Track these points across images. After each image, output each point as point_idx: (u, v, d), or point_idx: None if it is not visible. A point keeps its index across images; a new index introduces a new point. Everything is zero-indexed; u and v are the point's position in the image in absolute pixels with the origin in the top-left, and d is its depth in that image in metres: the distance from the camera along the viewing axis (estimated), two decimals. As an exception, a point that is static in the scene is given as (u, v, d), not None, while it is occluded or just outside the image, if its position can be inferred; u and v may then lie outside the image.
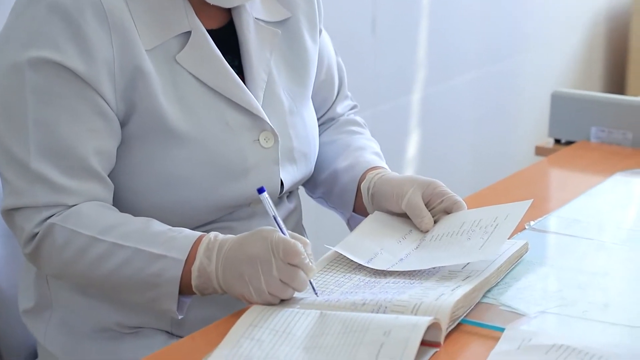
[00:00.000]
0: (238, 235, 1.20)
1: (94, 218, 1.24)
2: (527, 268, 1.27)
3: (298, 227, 1.46)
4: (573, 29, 3.37)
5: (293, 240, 1.16)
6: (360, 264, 1.26)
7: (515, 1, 3.07)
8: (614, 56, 3.58)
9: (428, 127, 2.80)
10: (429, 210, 1.33)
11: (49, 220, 1.23)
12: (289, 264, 1.15)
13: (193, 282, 1.20)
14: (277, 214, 1.20)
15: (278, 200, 1.40)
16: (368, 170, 1.42)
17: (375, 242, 1.30)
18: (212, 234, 1.21)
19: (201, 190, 1.29)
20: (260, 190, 1.21)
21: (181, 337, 1.30)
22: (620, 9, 3.53)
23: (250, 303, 1.16)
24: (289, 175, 1.37)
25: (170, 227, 1.24)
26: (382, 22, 2.56)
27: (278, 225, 1.19)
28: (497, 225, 1.27)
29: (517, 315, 1.15)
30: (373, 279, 1.23)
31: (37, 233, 1.24)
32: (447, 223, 1.32)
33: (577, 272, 1.26)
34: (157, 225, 1.24)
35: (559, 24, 3.29)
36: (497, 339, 1.08)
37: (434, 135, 2.83)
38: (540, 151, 1.85)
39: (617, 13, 3.53)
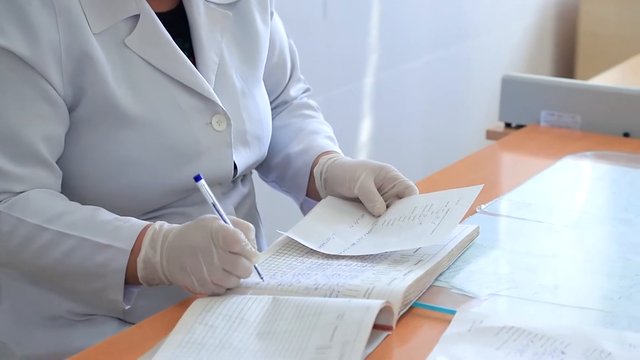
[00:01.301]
0: (182, 224, 1.19)
1: (41, 206, 1.22)
2: (478, 251, 1.28)
3: (252, 212, 1.46)
4: (523, 13, 3.39)
5: (233, 228, 1.15)
6: (311, 249, 1.26)
7: (466, -14, 3.08)
8: (564, 40, 3.61)
9: (381, 111, 2.80)
10: (382, 195, 1.34)
11: None
12: (230, 252, 1.14)
13: (139, 274, 1.19)
14: (216, 202, 1.18)
15: (232, 185, 1.40)
16: (321, 154, 1.42)
17: (328, 227, 1.30)
18: (158, 224, 1.20)
19: (153, 174, 1.28)
20: (197, 178, 1.19)
21: (133, 324, 1.29)
22: (570, -6, 3.57)
23: (195, 294, 1.16)
24: (243, 158, 1.37)
25: (117, 216, 1.23)
26: (334, 7, 2.56)
27: (218, 212, 1.17)
28: (448, 210, 1.28)
29: (468, 298, 1.16)
30: (326, 262, 1.23)
31: None
32: (399, 208, 1.32)
33: (527, 255, 1.28)
34: (104, 214, 1.23)
35: (509, 8, 3.31)
36: (448, 322, 1.09)
37: (386, 120, 2.83)
38: (491, 135, 1.87)
39: (566, -3, 3.57)
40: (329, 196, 1.37)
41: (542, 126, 1.81)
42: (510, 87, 1.84)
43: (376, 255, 1.24)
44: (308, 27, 2.51)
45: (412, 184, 1.34)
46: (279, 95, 1.54)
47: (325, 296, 1.13)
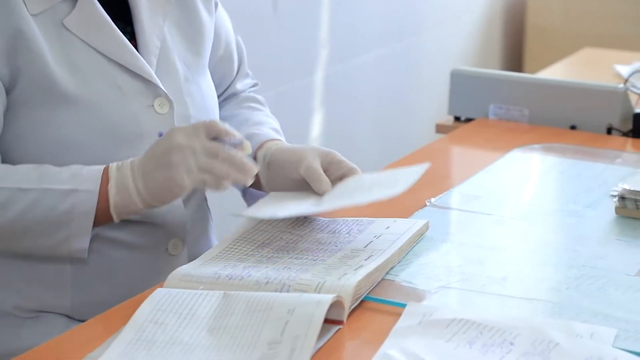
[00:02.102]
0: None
1: None
2: (428, 245, 1.29)
3: (202, 207, 1.45)
4: (471, 8, 3.41)
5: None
6: (263, 242, 1.26)
7: (415, -20, 3.09)
8: (512, 34, 3.65)
9: (331, 106, 2.81)
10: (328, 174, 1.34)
11: None
12: (212, 139, 1.19)
13: (112, 200, 1.20)
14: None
15: None
16: (266, 141, 1.42)
17: (278, 206, 1.30)
18: (117, 162, 1.23)
19: (94, 156, 1.27)
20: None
21: (82, 321, 1.28)
22: (518, -12, 3.60)
23: (182, 190, 1.19)
24: None
25: (65, 166, 1.23)
26: (284, 1, 2.56)
27: None
28: (397, 181, 1.29)
29: (418, 291, 1.17)
30: (276, 255, 1.23)
31: None
32: (347, 183, 1.32)
33: (476, 247, 1.29)
34: (52, 167, 1.23)
35: (457, 2, 3.33)
36: (399, 315, 1.09)
37: (337, 114, 2.84)
38: (440, 129, 1.88)
39: (514, -8, 3.60)
40: (271, 192, 1.37)
41: (490, 119, 1.82)
42: (459, 81, 1.86)
43: (327, 249, 1.24)
44: (258, 21, 2.50)
45: (357, 168, 1.34)
46: (226, 89, 1.54)
47: (276, 291, 1.13)
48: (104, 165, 1.22)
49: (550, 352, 1.01)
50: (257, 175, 1.39)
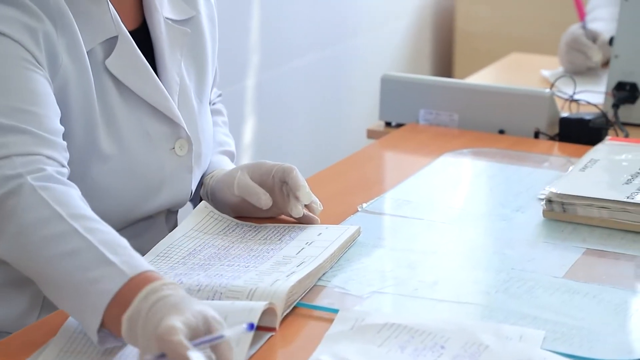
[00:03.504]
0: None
1: (68, 199, 1.10)
2: (360, 250, 1.29)
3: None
4: (401, 14, 3.44)
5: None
6: (194, 249, 1.25)
7: (345, -14, 3.11)
8: (441, 39, 3.68)
9: (264, 112, 2.80)
10: (267, 190, 1.33)
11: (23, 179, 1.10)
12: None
13: (122, 331, 1.01)
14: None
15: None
16: (212, 172, 1.42)
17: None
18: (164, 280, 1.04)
19: (119, 202, 1.26)
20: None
21: (9, 333, 1.25)
22: (447, -6, 3.64)
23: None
24: (195, 181, 1.36)
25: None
26: (214, 8, 2.55)
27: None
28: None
29: (350, 296, 1.17)
30: (208, 262, 1.22)
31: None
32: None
33: (408, 252, 1.30)
34: (122, 239, 1.09)
35: (387, 8, 3.35)
36: (331, 321, 1.10)
37: (269, 121, 2.83)
38: (371, 134, 1.89)
39: (443, -3, 3.64)
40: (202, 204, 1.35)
41: (421, 124, 1.84)
42: (389, 87, 1.87)
43: (259, 255, 1.24)
44: (188, 28, 2.48)
45: (289, 165, 1.34)
46: None
47: (208, 298, 1.12)
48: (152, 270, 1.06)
49: (481, 354, 1.03)
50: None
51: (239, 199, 1.34)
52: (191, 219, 1.32)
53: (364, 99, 3.17)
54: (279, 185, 1.33)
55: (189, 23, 1.36)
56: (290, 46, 2.90)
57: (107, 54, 1.25)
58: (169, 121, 1.30)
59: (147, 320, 0.99)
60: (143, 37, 1.31)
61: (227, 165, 1.45)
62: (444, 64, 3.70)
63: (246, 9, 2.70)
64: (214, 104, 1.57)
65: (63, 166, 1.15)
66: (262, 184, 1.33)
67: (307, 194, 1.31)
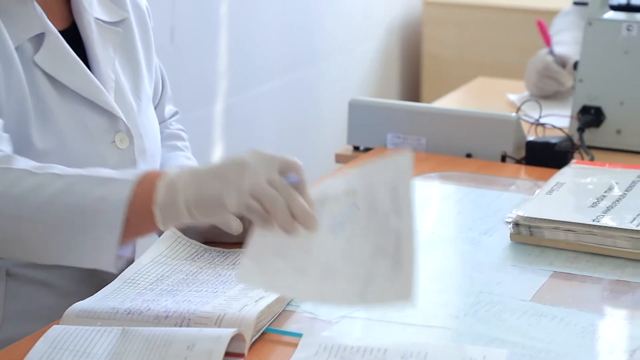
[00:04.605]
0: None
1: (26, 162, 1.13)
2: (328, 274, 1.29)
3: None
4: (368, 38, 3.46)
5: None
6: (163, 274, 1.24)
7: (310, 11, 3.12)
8: (409, 63, 3.71)
9: (232, 136, 2.80)
10: (236, 215, 1.32)
11: None
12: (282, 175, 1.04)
13: (158, 197, 1.04)
14: None
15: None
16: None
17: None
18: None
19: None
20: None
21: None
22: (413, 18, 3.66)
23: (223, 208, 1.04)
24: None
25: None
26: (181, 32, 2.55)
27: None
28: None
29: (319, 321, 1.17)
30: (176, 288, 1.22)
31: None
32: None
33: (376, 276, 1.30)
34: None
35: (353, 32, 3.37)
36: (300, 346, 1.09)
37: (238, 145, 2.83)
38: (339, 158, 1.89)
39: (409, 21, 3.66)
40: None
41: (389, 148, 1.84)
42: (357, 111, 1.88)
43: (227, 280, 1.24)
44: (155, 52, 2.48)
45: None
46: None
47: (176, 325, 1.12)
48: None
49: (449, 378, 1.03)
50: None
51: (208, 224, 1.34)
52: (159, 244, 1.31)
53: (332, 123, 3.18)
54: None
55: (120, 25, 1.39)
56: (259, 70, 2.90)
57: (37, 50, 1.27)
58: (107, 113, 1.31)
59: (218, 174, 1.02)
60: (74, 36, 1.33)
61: None
62: (412, 88, 3.72)
63: (214, 32, 2.70)
64: (170, 124, 1.57)
65: (10, 156, 1.16)
66: None
67: None
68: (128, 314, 1.14)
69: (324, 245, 1.06)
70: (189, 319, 1.12)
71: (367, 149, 1.87)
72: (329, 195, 1.07)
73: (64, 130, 1.27)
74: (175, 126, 1.57)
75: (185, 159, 1.51)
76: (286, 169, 1.07)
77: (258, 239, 1.06)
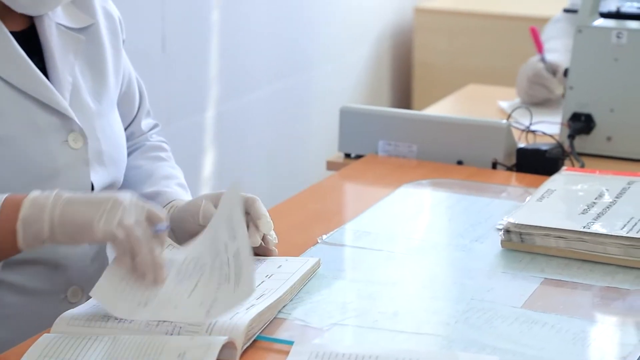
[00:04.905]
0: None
1: None
2: (320, 282, 1.29)
3: (102, 253, 1.43)
4: (359, 45, 3.46)
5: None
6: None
7: (301, 18, 3.13)
8: (400, 71, 3.71)
9: (223, 144, 2.80)
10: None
11: None
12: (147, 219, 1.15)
13: (22, 213, 1.15)
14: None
15: None
16: (170, 202, 1.42)
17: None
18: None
19: (9, 192, 1.24)
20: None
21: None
22: (404, 25, 3.67)
23: (91, 234, 1.14)
24: (100, 177, 1.37)
25: None
26: (173, 40, 2.55)
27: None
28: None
29: (311, 328, 1.17)
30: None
31: None
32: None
33: (368, 283, 1.30)
34: None
35: (345, 40, 3.37)
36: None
37: (229, 152, 2.83)
38: (331, 166, 1.90)
39: (400, 29, 3.67)
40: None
41: (380, 156, 1.85)
42: (348, 118, 1.88)
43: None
44: (147, 60, 2.48)
45: (252, 195, 1.34)
46: (129, 125, 1.54)
47: (167, 333, 1.11)
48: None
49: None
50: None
51: (202, 228, 1.34)
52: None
53: (323, 130, 3.18)
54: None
55: (85, 31, 1.40)
56: (250, 77, 2.90)
57: None
58: (58, 113, 1.33)
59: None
60: (32, 38, 1.35)
61: (185, 196, 1.45)
62: (403, 96, 3.73)
63: (205, 39, 2.71)
64: (151, 136, 1.57)
65: None
66: None
67: (267, 223, 1.32)
68: (119, 322, 1.14)
69: (170, 287, 1.16)
70: (180, 327, 1.12)
71: (358, 156, 1.87)
72: (177, 261, 1.18)
73: (13, 127, 1.28)
74: (156, 138, 1.58)
75: (170, 169, 1.52)
76: (153, 219, 1.17)
77: (116, 266, 1.17)
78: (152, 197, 1.43)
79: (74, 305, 1.32)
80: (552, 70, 2.15)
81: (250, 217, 1.32)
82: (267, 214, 1.33)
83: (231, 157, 2.85)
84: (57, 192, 1.18)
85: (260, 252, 1.34)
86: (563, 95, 2.10)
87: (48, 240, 1.16)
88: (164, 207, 1.41)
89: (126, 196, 1.16)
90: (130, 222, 1.14)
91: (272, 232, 1.34)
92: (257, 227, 1.32)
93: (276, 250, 1.34)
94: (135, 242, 1.14)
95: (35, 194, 1.18)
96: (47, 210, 1.15)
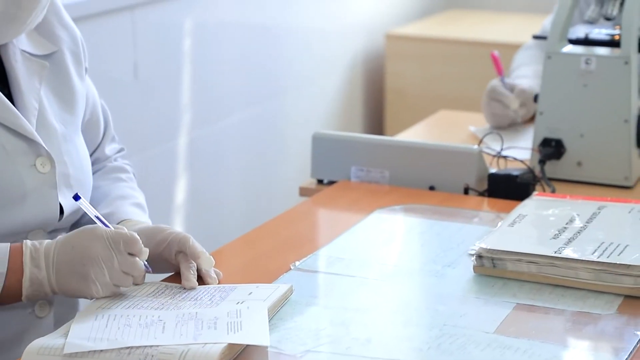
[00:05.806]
0: (61, 238, 1.26)
1: None
2: (293, 309, 1.29)
3: None
4: (332, 72, 3.48)
5: (127, 231, 1.25)
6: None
7: (273, 45, 3.14)
8: (372, 97, 3.73)
9: (196, 170, 2.80)
10: (163, 259, 1.34)
11: None
12: (128, 253, 1.24)
13: (24, 293, 1.24)
14: (98, 213, 1.29)
15: (61, 232, 1.39)
16: (122, 221, 1.42)
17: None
18: (30, 242, 1.25)
19: None
20: (76, 198, 1.28)
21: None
22: (375, 52, 3.69)
23: (94, 298, 1.24)
24: (68, 200, 1.38)
25: None
26: (145, 67, 2.55)
27: (103, 223, 1.28)
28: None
29: (284, 355, 1.17)
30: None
31: None
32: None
33: (341, 310, 1.30)
34: None
35: (318, 66, 3.39)
36: (264, 382, 1.09)
37: (203, 179, 2.83)
38: (304, 192, 1.90)
39: (372, 56, 3.69)
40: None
41: (352, 182, 1.85)
42: (320, 144, 1.88)
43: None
44: (119, 87, 2.48)
45: (184, 234, 1.34)
46: (94, 152, 1.54)
47: (139, 362, 1.11)
48: (11, 245, 1.25)
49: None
50: None
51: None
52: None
53: (296, 156, 3.19)
54: (175, 255, 1.34)
55: (49, 58, 1.42)
56: (222, 104, 2.91)
57: None
58: (25, 138, 1.34)
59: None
60: None
61: (140, 216, 1.46)
62: (375, 122, 3.74)
63: (177, 66, 2.71)
64: (115, 159, 1.57)
65: None
66: (157, 253, 1.33)
67: (207, 259, 1.34)
68: (89, 350, 1.13)
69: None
70: (152, 355, 1.11)
71: (330, 182, 1.88)
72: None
73: None
74: (120, 161, 1.58)
75: (128, 189, 1.52)
76: (130, 247, 1.25)
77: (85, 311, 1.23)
78: (106, 217, 1.42)
79: (41, 320, 1.33)
80: (510, 88, 2.17)
81: (186, 257, 1.32)
82: (205, 251, 1.33)
83: (204, 183, 2.84)
84: (47, 262, 1.24)
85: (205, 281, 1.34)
86: (529, 120, 2.12)
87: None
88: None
89: (98, 246, 1.23)
90: (116, 278, 1.24)
91: (213, 270, 1.34)
92: (188, 270, 1.31)
93: (216, 279, 1.34)
94: (126, 284, 1.26)
95: (28, 267, 1.24)
96: (45, 284, 1.24)
